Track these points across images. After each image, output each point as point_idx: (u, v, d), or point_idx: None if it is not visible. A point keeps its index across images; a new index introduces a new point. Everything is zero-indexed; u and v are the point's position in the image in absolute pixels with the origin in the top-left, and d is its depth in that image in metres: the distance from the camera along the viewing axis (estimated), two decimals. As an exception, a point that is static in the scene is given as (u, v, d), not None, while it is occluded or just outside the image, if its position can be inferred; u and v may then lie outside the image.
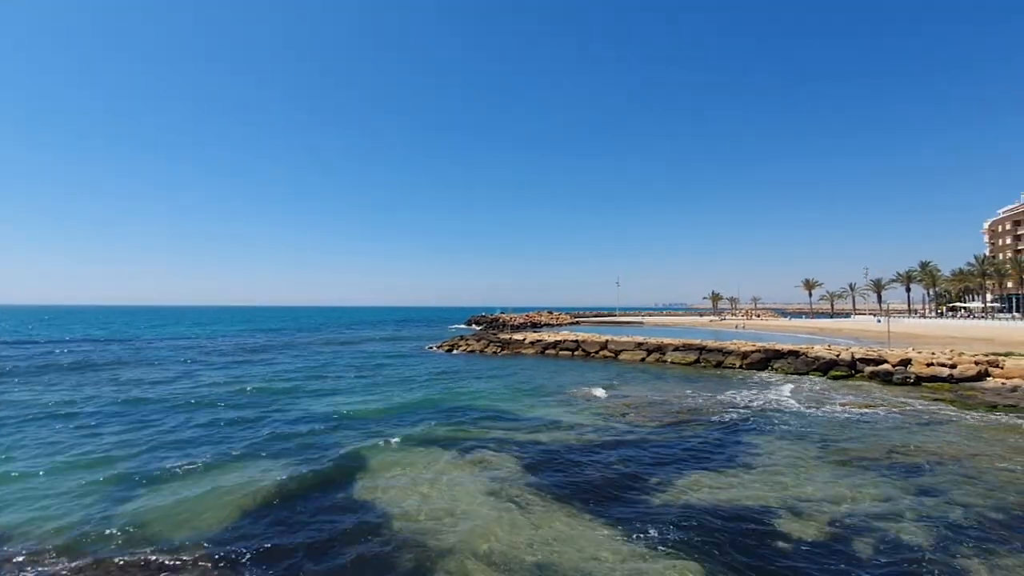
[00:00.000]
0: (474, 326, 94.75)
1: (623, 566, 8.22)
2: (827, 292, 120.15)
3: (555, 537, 9.28)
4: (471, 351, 44.85)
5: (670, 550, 8.70)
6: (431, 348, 49.36)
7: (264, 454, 14.42)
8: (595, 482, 12.15)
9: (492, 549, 8.83)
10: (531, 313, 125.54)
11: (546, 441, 15.83)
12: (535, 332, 57.46)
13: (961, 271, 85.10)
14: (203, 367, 34.95)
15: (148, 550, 8.73)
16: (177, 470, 12.92)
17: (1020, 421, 17.53)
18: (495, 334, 54.43)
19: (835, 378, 27.80)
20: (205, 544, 8.98)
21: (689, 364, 34.25)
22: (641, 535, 9.28)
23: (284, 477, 12.35)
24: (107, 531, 9.49)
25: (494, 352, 43.73)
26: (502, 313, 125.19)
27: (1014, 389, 21.67)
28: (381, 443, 15.44)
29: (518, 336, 48.33)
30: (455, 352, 45.39)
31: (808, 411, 19.76)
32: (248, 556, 8.62)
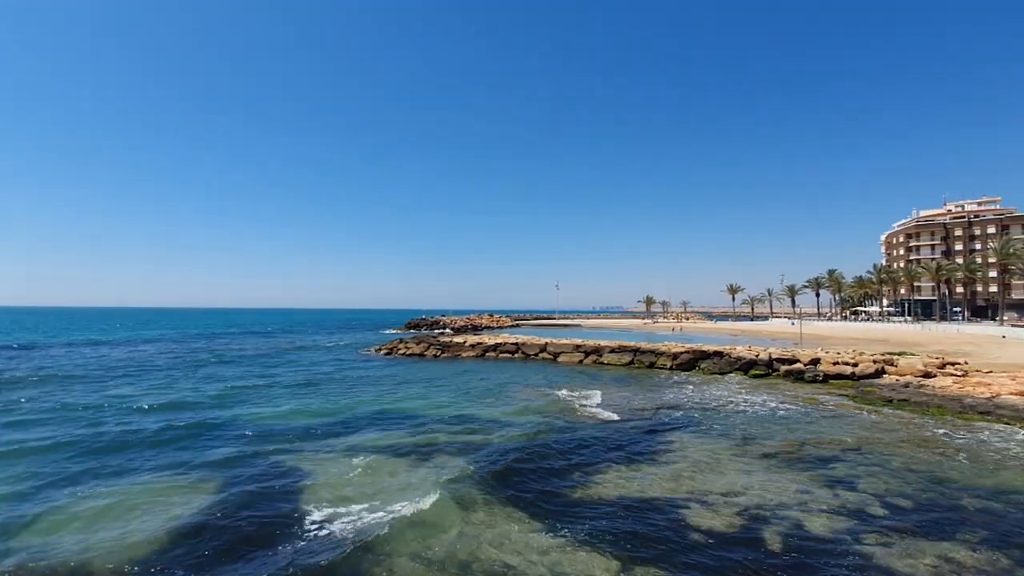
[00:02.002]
0: (413, 330, 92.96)
1: (545, 559, 8.47)
2: (748, 296, 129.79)
3: (485, 532, 9.49)
4: (411, 355, 43.99)
5: (591, 543, 9.01)
6: (370, 352, 47.97)
7: (196, 475, 13.35)
8: (528, 479, 12.36)
9: (423, 544, 8.99)
10: (472, 316, 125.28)
11: (482, 442, 15.86)
12: (476, 335, 57.32)
13: (861, 279, 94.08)
14: (117, 379, 31.79)
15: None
16: (78, 510, 10.81)
17: (911, 415, 19.59)
18: (436, 337, 53.75)
19: (755, 376, 29.80)
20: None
21: (624, 365, 35.50)
22: (564, 528, 9.59)
23: (212, 493, 11.61)
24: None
25: (435, 355, 43.15)
26: (443, 316, 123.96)
27: (906, 385, 24.18)
28: (324, 453, 14.87)
29: (459, 339, 48.02)
30: (395, 356, 44.37)
31: (729, 408, 21.02)
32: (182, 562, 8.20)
